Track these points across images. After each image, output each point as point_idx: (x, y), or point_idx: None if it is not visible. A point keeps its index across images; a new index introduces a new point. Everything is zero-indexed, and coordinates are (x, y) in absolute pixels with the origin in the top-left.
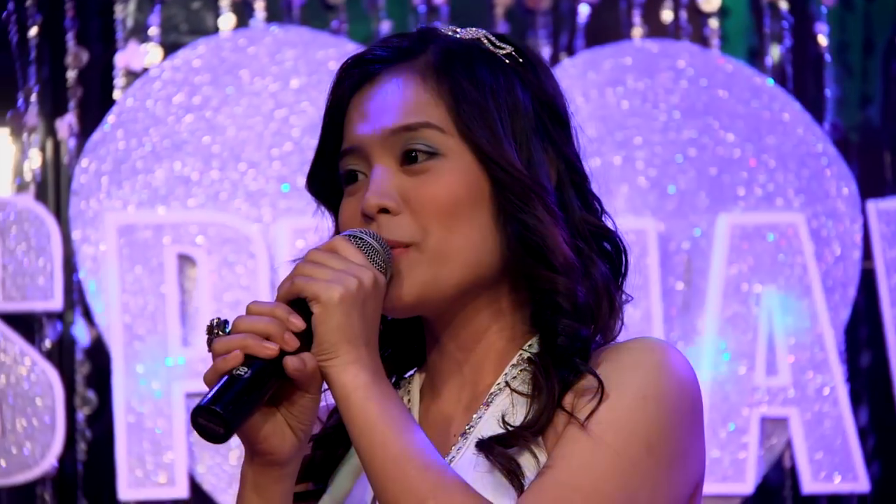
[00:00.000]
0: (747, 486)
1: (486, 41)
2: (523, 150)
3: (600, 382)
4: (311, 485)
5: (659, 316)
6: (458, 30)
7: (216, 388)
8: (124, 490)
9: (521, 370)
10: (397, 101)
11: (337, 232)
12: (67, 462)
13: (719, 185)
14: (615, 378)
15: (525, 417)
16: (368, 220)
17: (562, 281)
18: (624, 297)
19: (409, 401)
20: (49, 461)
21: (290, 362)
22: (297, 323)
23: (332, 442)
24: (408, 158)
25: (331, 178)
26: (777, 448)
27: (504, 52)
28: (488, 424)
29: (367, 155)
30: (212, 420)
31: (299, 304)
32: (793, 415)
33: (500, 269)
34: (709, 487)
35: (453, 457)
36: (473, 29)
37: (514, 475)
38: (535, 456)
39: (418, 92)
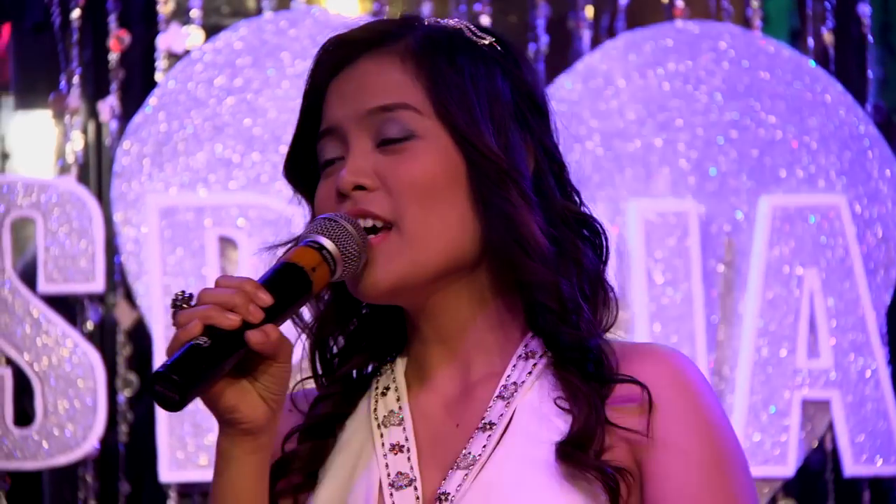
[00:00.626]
0: (788, 469)
1: (467, 31)
2: (501, 136)
3: (647, 393)
4: (301, 477)
5: (700, 298)
6: (440, 20)
7: (175, 356)
8: (165, 472)
9: (526, 362)
10: (375, 82)
11: (313, 215)
12: (109, 444)
13: (761, 167)
14: (669, 406)
15: (576, 430)
16: (343, 199)
17: (540, 270)
18: (608, 286)
19: (395, 389)
20: (91, 443)
21: (252, 335)
22: (265, 297)
23: (319, 432)
24: (384, 139)
25: (308, 163)
26: (819, 431)
27: (485, 42)
28: (522, 420)
29: (344, 135)
30: (167, 387)
31: (288, 270)
32: (834, 397)
33: (478, 254)
34: (750, 470)
35: (485, 446)
36: (455, 20)
37: (614, 493)
38: None
39: (396, 74)
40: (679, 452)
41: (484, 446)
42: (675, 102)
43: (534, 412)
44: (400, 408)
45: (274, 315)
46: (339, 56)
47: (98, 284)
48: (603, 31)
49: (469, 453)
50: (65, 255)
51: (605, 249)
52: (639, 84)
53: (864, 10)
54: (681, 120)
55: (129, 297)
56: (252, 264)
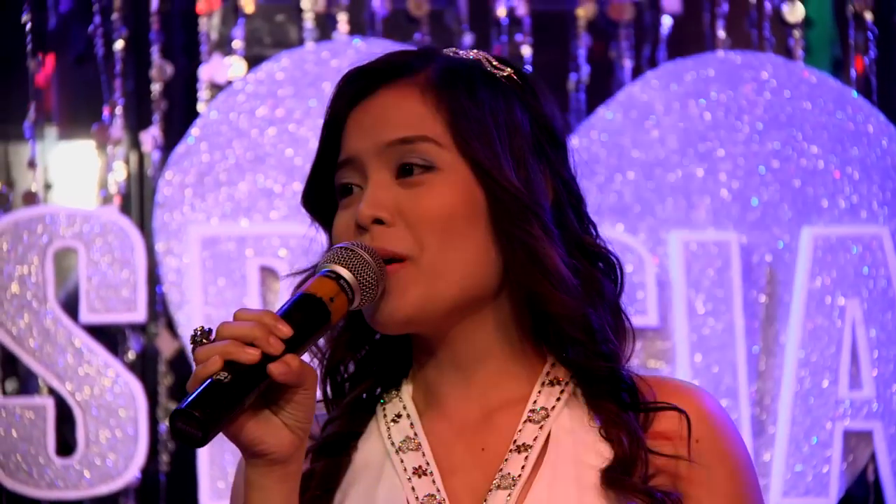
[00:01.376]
0: (830, 501)
1: (486, 63)
2: (521, 169)
3: (686, 417)
4: (319, 495)
5: (741, 328)
6: (459, 52)
7: (196, 393)
8: (206, 501)
9: (552, 388)
10: (395, 114)
11: (331, 244)
12: (150, 473)
13: (803, 197)
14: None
15: (621, 455)
16: (362, 231)
17: (568, 302)
18: (625, 316)
19: (407, 416)
20: (132, 472)
21: (274, 368)
22: (284, 329)
23: (333, 450)
24: (404, 171)
25: (326, 192)
26: (861, 462)
27: (504, 73)
28: (561, 443)
29: (363, 167)
30: (189, 424)
31: (307, 301)
32: (877, 428)
33: (497, 285)
34: (792, 501)
35: (524, 466)
36: (474, 51)
37: None
38: None
39: (417, 106)
40: (713, 481)
41: (523, 467)
42: (717, 132)
43: (571, 436)
44: (415, 434)
45: (294, 346)
46: (358, 87)
47: (140, 314)
48: (644, 62)
49: (509, 473)
50: (107, 284)
51: (620, 281)
52: (680, 114)
53: None
54: (722, 150)
55: (171, 327)
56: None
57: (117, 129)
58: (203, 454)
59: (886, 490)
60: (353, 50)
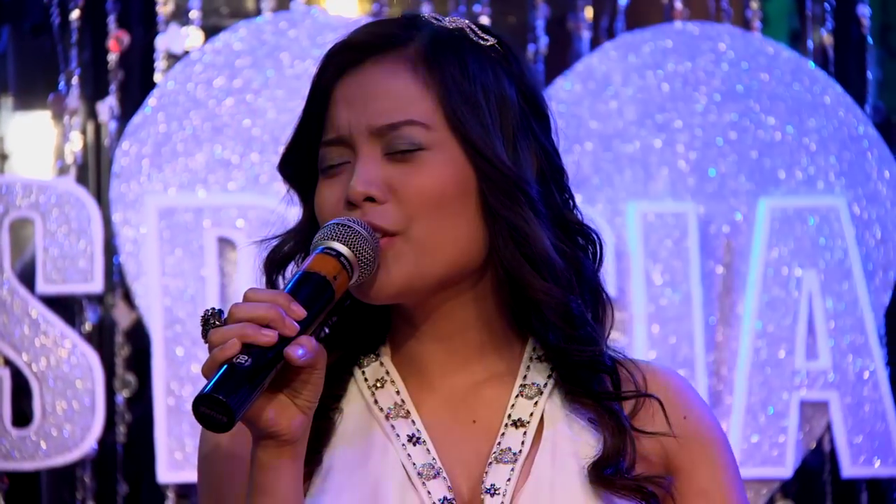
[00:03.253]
0: (786, 471)
1: (469, 31)
2: (510, 145)
3: (658, 400)
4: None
5: (699, 299)
6: (441, 18)
7: (217, 377)
8: (164, 472)
9: (541, 364)
10: (383, 94)
11: (310, 216)
12: (107, 444)
13: (760, 169)
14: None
15: (607, 449)
16: (352, 208)
17: (550, 290)
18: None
19: (392, 382)
20: (89, 443)
21: (291, 351)
22: (298, 311)
23: (314, 415)
24: (393, 151)
25: (306, 162)
26: (817, 432)
27: (488, 43)
28: (557, 422)
29: (353, 144)
30: (215, 409)
31: (312, 280)
32: (833, 399)
33: (482, 263)
34: (748, 471)
35: (523, 442)
36: (457, 18)
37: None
38: None
39: (406, 84)
40: (705, 452)
41: (522, 442)
42: (675, 104)
43: (565, 417)
44: (403, 401)
45: (305, 326)
46: (344, 60)
47: (97, 285)
48: (602, 32)
49: (508, 448)
50: (63, 255)
51: (599, 256)
52: (638, 85)
53: (864, 11)
54: (680, 121)
55: (128, 298)
56: (252, 266)
57: (74, 99)
58: (160, 425)
59: (842, 460)
60: (310, 20)
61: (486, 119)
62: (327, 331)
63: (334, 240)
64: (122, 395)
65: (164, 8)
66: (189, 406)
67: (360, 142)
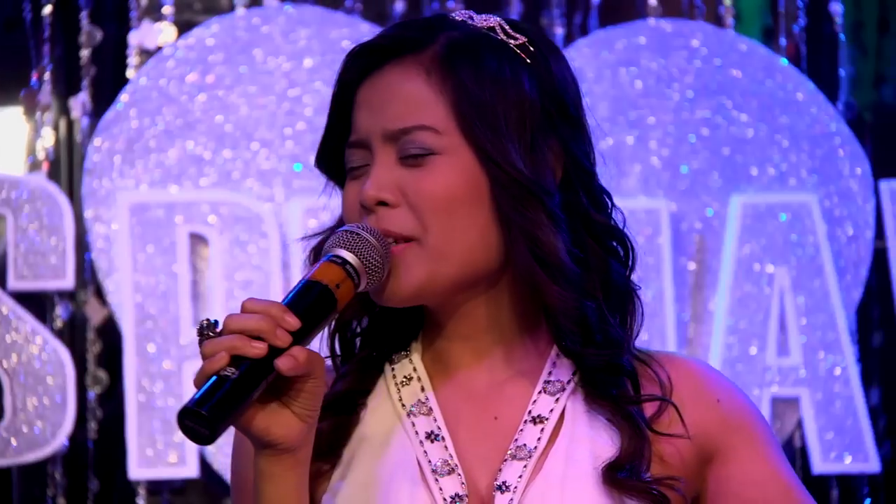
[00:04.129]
0: None
1: (499, 30)
2: (526, 149)
3: (673, 405)
4: (326, 453)
5: (671, 296)
6: (475, 16)
7: (203, 390)
8: (135, 469)
9: (566, 360)
10: (397, 98)
11: (341, 216)
12: (78, 441)
13: (732, 165)
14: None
15: (623, 452)
16: (367, 212)
17: (562, 295)
18: (634, 286)
19: (418, 379)
20: (60, 440)
21: (281, 363)
22: (292, 321)
23: (341, 407)
24: (405, 155)
25: (338, 157)
26: (788, 428)
27: (517, 42)
28: (576, 420)
29: (370, 147)
30: (197, 422)
31: (313, 289)
32: (804, 395)
33: (501, 266)
34: None
35: (539, 438)
36: (488, 16)
37: None
38: None
39: (420, 89)
40: (744, 440)
41: (539, 438)
42: (647, 100)
43: (585, 415)
44: (426, 398)
45: (301, 336)
46: (365, 63)
47: (68, 281)
48: (576, 29)
49: (524, 445)
50: (35, 251)
51: (632, 259)
52: (611, 82)
53: (836, 8)
54: (653, 118)
55: (100, 295)
56: (223, 262)
57: (46, 95)
58: (132, 422)
59: (813, 456)
60: (283, 16)
61: (500, 123)
62: (360, 328)
63: (341, 247)
64: (93, 392)
65: (137, 4)
66: (159, 403)
67: (376, 145)
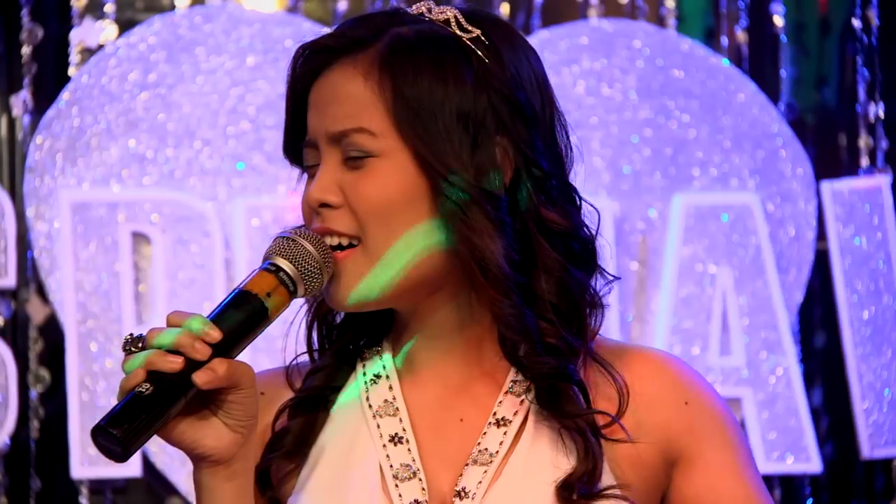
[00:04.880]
0: None
1: (454, 22)
2: (468, 150)
3: (620, 401)
4: (293, 454)
5: (614, 296)
6: (432, 8)
7: (117, 407)
8: (77, 468)
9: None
10: (338, 100)
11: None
12: (20, 439)
13: (674, 166)
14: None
15: (575, 470)
16: (315, 214)
17: (499, 301)
18: (612, 278)
19: (387, 377)
20: (1, 438)
21: (198, 377)
22: (213, 333)
23: (311, 404)
24: (346, 157)
25: (300, 153)
26: None
27: (470, 35)
28: (540, 423)
29: (318, 148)
30: (109, 441)
31: (242, 299)
32: (746, 395)
33: (447, 271)
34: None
35: (502, 442)
36: (446, 8)
37: None
38: None
39: (359, 91)
40: (709, 445)
41: (501, 442)
42: (590, 100)
43: (546, 420)
44: (394, 398)
45: (227, 347)
46: (313, 62)
47: (10, 280)
48: (518, 28)
49: (486, 449)
50: None
51: (593, 256)
52: (553, 82)
53: (778, 9)
54: (595, 118)
55: (42, 293)
56: (166, 261)
57: None
58: (74, 421)
59: (755, 456)
60: (226, 14)
61: (437, 124)
62: (337, 321)
63: (277, 255)
64: (35, 391)
65: (78, 2)
66: (102, 401)
67: (323, 147)
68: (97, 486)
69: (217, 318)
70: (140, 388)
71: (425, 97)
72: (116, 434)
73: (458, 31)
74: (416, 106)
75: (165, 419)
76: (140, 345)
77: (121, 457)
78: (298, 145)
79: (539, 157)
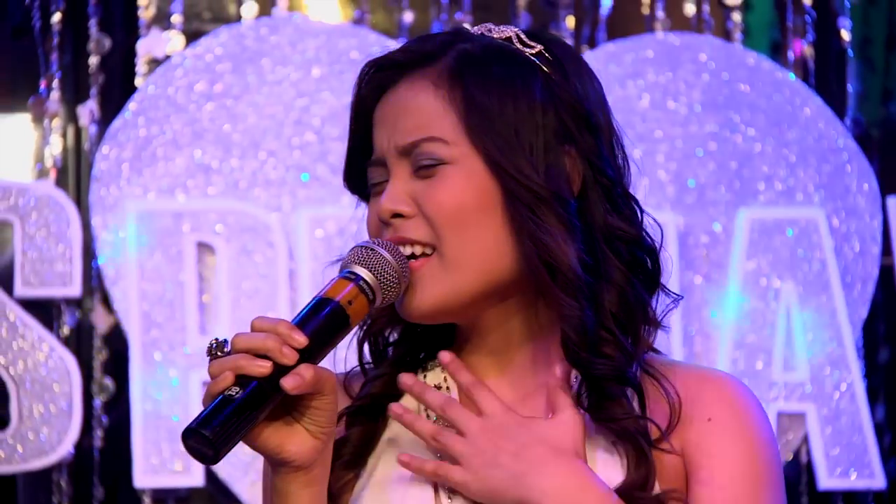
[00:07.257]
0: None
1: (515, 39)
2: (538, 157)
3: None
4: (352, 464)
5: (677, 310)
6: (493, 28)
7: (207, 410)
8: (140, 477)
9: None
10: (408, 112)
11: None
12: (84, 448)
13: (739, 180)
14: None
15: (628, 477)
16: (385, 226)
17: (565, 301)
18: (673, 296)
19: (447, 389)
20: (66, 447)
21: (286, 381)
22: (299, 338)
23: (370, 412)
24: (418, 166)
25: (363, 175)
26: (794, 443)
27: (533, 51)
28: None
29: (386, 164)
30: (200, 443)
31: (324, 306)
32: (810, 410)
33: (518, 278)
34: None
35: None
36: (506, 27)
37: None
38: None
39: (428, 102)
40: (720, 461)
41: None
42: (655, 114)
43: (602, 433)
44: None
45: (311, 353)
46: (381, 79)
47: (75, 289)
48: (584, 42)
49: None
50: (42, 259)
51: (657, 269)
52: (618, 95)
53: (845, 23)
54: (660, 131)
55: (106, 302)
56: (230, 271)
57: (54, 102)
58: (137, 430)
59: (818, 471)
60: (292, 26)
61: (509, 130)
62: (391, 339)
63: (356, 263)
64: (99, 400)
65: (145, 12)
66: (165, 411)
67: (392, 161)
68: (160, 496)
69: (300, 323)
70: (230, 392)
71: (496, 105)
72: (208, 436)
73: (520, 47)
74: (487, 112)
75: (254, 422)
76: (225, 350)
77: (212, 459)
78: (363, 165)
79: (606, 166)
